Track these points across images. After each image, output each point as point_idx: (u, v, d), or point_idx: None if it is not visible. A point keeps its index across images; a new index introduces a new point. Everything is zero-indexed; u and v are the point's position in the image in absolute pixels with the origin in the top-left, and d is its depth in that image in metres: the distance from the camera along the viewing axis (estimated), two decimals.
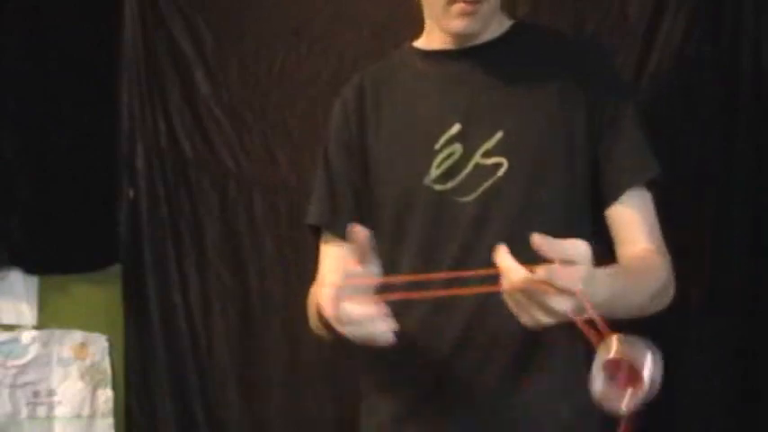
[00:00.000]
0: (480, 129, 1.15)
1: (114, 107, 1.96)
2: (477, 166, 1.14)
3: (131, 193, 1.94)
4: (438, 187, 1.15)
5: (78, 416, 1.96)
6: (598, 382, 0.73)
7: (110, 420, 1.98)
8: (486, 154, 1.14)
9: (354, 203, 1.24)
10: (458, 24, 1.15)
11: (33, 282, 1.95)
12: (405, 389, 1.17)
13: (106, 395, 1.98)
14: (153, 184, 1.93)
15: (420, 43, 1.27)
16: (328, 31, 1.80)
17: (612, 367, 0.73)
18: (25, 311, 1.95)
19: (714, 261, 1.46)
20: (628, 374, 0.72)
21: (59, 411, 1.95)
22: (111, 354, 1.99)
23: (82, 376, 1.96)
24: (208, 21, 1.90)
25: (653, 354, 0.72)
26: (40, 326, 1.95)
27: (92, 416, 1.97)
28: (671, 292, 1.13)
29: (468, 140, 1.15)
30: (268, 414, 1.85)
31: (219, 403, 1.88)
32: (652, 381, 0.72)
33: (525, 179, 1.13)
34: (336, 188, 1.26)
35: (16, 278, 1.93)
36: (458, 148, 1.15)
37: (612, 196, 1.14)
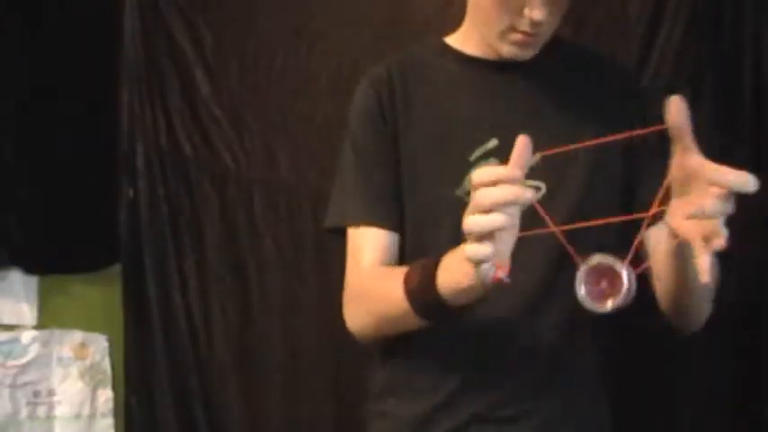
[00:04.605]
0: None
1: (114, 107, 1.96)
2: None
3: (131, 193, 1.94)
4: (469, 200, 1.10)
5: (78, 416, 1.96)
6: (582, 287, 0.84)
7: (110, 420, 1.98)
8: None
9: (396, 191, 1.12)
10: (512, 51, 1.10)
11: (33, 282, 1.95)
12: (428, 392, 1.13)
13: (106, 395, 1.98)
14: (153, 184, 1.92)
15: (455, 42, 1.19)
16: (328, 31, 1.80)
17: (596, 277, 0.84)
18: (25, 311, 1.95)
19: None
20: (609, 282, 0.83)
21: (59, 411, 1.95)
22: (111, 354, 1.99)
23: (82, 376, 1.96)
24: (208, 21, 1.90)
25: (628, 266, 0.84)
26: (40, 326, 1.95)
27: (92, 416, 1.97)
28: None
29: (505, 157, 1.09)
30: (268, 414, 1.85)
31: (219, 403, 1.88)
32: (629, 284, 0.82)
33: (564, 204, 1.08)
34: (372, 177, 1.14)
35: (16, 278, 1.93)
36: (494, 163, 1.08)
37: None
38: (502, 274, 0.86)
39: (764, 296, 1.45)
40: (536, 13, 1.05)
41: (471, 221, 0.83)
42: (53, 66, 1.92)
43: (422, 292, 0.98)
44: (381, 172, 1.14)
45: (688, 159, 0.81)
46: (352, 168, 1.17)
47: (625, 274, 0.82)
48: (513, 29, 1.07)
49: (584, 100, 1.13)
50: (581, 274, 0.83)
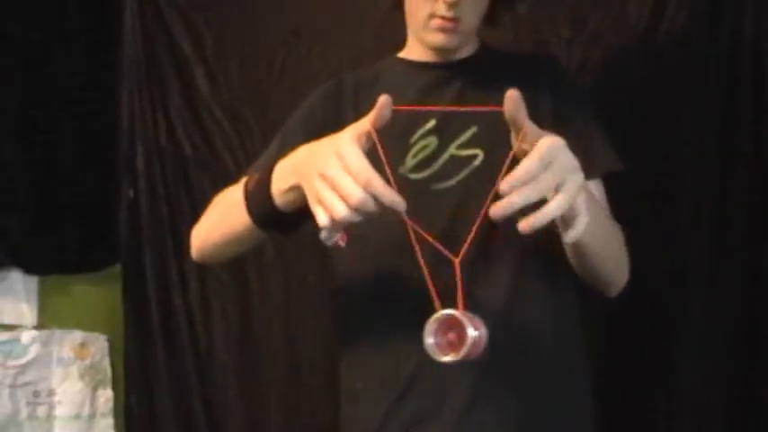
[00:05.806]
0: (454, 125, 1.18)
1: (114, 107, 1.96)
2: (452, 157, 1.17)
3: (131, 193, 1.94)
4: (413, 176, 1.16)
5: (78, 416, 1.96)
6: (429, 338, 0.87)
7: (110, 420, 1.98)
8: (461, 146, 1.17)
9: None
10: (436, 38, 1.22)
11: (33, 282, 1.95)
12: (385, 377, 1.16)
13: (106, 395, 1.98)
14: (153, 184, 1.93)
15: (403, 54, 1.33)
16: (328, 31, 1.81)
17: (445, 329, 0.87)
18: (25, 311, 1.95)
19: (713, 254, 1.46)
20: (458, 335, 0.86)
21: (59, 411, 1.95)
22: (111, 354, 1.99)
23: (82, 376, 1.96)
24: (208, 21, 1.91)
25: (477, 323, 0.86)
26: (40, 326, 1.95)
27: (92, 416, 1.97)
28: (627, 267, 1.16)
29: (443, 134, 1.18)
30: (268, 414, 1.85)
31: (219, 403, 1.89)
32: (475, 338, 0.85)
33: (501, 168, 1.13)
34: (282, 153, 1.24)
35: (16, 278, 1.93)
36: (432, 140, 1.18)
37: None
38: (342, 242, 0.92)
39: (764, 293, 1.45)
40: None
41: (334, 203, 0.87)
42: (53, 65, 1.92)
43: (258, 198, 1.03)
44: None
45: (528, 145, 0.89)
46: (271, 147, 1.28)
47: (470, 331, 0.85)
48: (433, 15, 1.20)
49: (512, 86, 1.19)
50: (429, 326, 0.86)
